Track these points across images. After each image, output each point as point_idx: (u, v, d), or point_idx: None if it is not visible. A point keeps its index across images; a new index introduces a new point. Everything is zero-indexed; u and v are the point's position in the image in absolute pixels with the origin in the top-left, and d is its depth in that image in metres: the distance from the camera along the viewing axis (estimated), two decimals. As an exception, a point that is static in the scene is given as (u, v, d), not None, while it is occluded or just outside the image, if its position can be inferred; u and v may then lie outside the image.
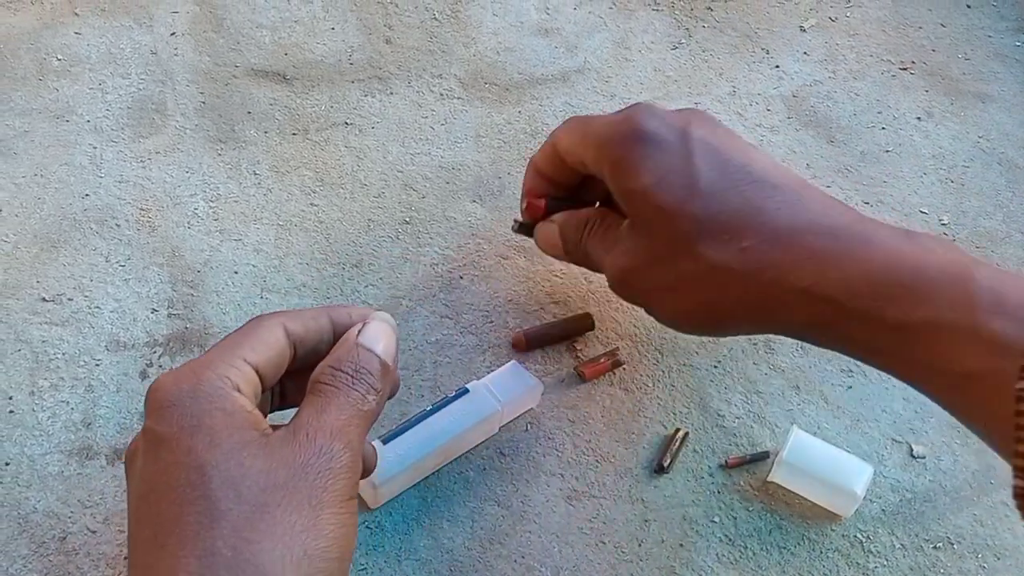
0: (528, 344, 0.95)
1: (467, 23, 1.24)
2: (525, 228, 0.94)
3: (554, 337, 0.96)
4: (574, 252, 0.89)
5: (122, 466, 0.85)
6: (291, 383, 0.74)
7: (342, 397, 0.63)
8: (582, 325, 0.96)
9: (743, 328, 0.82)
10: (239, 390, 0.62)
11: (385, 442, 0.82)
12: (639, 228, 0.79)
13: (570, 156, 0.86)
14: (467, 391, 0.87)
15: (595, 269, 0.89)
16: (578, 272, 1.01)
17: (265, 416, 0.65)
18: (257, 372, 0.64)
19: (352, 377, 0.63)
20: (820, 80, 1.22)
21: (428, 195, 1.07)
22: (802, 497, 0.87)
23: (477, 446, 0.89)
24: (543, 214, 0.93)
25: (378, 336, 0.66)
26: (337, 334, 0.69)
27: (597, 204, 0.91)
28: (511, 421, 0.91)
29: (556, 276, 1.01)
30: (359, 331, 0.67)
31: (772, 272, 0.71)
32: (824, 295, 0.69)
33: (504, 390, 0.87)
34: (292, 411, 0.66)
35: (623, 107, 0.83)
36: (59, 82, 1.16)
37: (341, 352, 0.66)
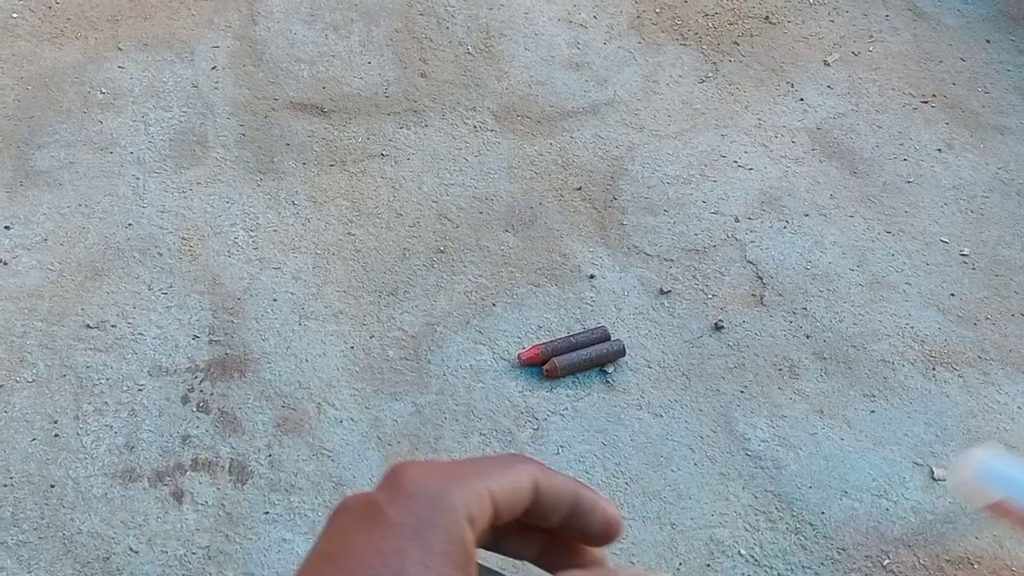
0: (560, 372, 0.96)
1: (500, 58, 1.26)
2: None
3: (585, 364, 0.97)
4: None
5: (164, 488, 0.88)
6: (510, 533, 0.71)
7: None
8: (613, 352, 0.98)
9: None
10: (472, 521, 0.62)
11: None
12: None
13: None
14: None
15: None
16: (608, 300, 1.02)
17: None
18: (495, 508, 0.64)
19: None
20: (843, 113, 1.24)
21: (462, 225, 1.09)
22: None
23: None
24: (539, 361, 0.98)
25: None
26: (574, 515, 0.69)
27: None
28: (542, 444, 0.92)
29: (587, 304, 1.02)
30: None
31: None
32: None
33: None
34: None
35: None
36: (103, 115, 1.18)
37: None
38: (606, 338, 0.99)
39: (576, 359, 0.97)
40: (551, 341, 0.99)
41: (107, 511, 0.87)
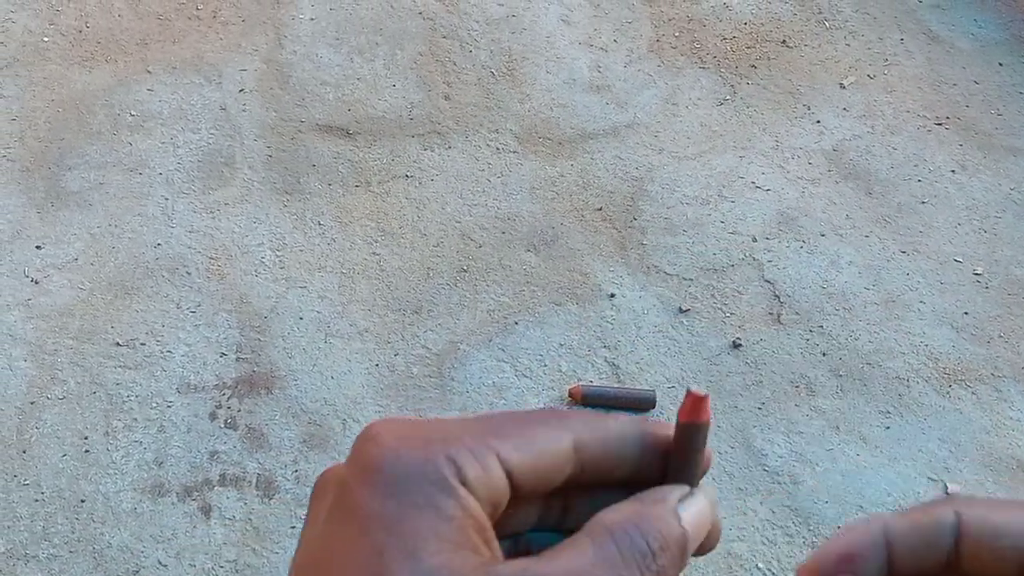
0: (583, 402, 0.96)
1: (522, 80, 1.28)
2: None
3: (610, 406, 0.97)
4: None
5: (193, 503, 0.89)
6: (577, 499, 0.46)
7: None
8: (643, 407, 0.98)
9: None
10: (473, 491, 0.37)
11: None
12: None
13: None
14: None
15: None
16: (628, 319, 1.04)
17: (520, 533, 0.37)
18: (510, 479, 0.37)
19: (652, 558, 0.36)
20: (859, 135, 1.24)
21: (485, 244, 1.10)
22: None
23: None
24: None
25: (699, 519, 0.41)
26: (645, 448, 0.43)
27: None
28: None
29: (607, 322, 1.03)
30: (682, 499, 0.42)
31: None
32: None
33: None
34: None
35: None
36: (132, 137, 1.20)
37: (652, 514, 0.36)
38: (647, 405, 0.99)
39: (606, 405, 0.96)
40: (597, 386, 0.97)
41: (136, 525, 0.89)
